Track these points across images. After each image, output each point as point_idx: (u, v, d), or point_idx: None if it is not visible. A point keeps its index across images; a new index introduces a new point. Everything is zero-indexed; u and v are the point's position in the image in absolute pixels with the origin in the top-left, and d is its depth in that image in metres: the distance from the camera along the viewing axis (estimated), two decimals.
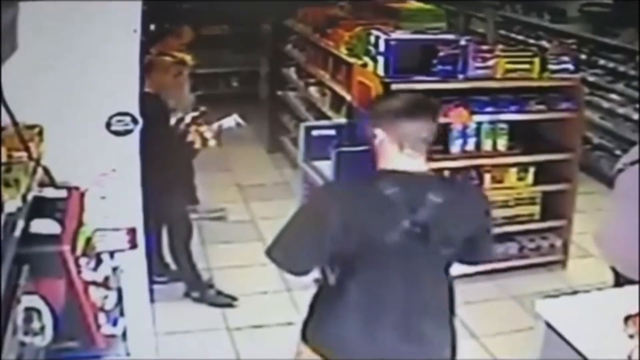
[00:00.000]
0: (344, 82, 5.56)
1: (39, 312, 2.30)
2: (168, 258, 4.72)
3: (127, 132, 3.15)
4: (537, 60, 4.86)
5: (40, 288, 2.33)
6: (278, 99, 7.60)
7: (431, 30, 5.32)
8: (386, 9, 6.20)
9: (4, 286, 1.89)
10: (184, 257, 4.59)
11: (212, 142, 4.76)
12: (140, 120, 3.16)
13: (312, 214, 2.40)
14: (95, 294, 2.65)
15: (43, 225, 2.45)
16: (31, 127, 2.70)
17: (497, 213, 5.05)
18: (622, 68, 7.06)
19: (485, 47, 4.84)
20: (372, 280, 2.35)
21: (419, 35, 5.02)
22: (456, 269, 2.52)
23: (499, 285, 4.94)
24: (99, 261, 2.82)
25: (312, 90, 6.60)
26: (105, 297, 2.74)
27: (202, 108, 4.96)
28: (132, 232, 3.01)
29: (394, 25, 5.46)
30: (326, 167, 4.53)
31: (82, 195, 2.88)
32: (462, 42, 4.75)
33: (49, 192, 2.73)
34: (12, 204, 2.16)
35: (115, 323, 2.77)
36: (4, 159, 2.31)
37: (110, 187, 3.10)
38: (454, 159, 4.74)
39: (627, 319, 2.44)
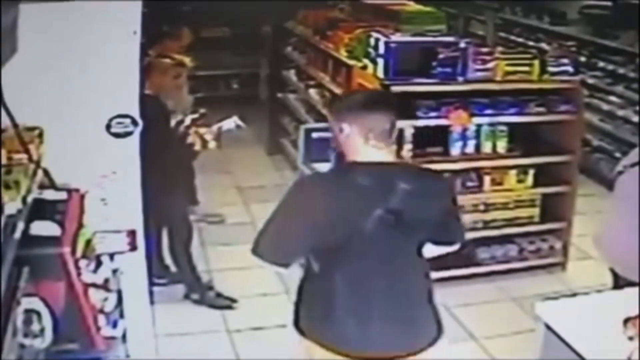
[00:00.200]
0: (344, 85, 5.56)
1: (38, 314, 2.30)
2: (168, 260, 4.72)
3: (127, 134, 3.16)
4: (536, 62, 4.86)
5: (40, 290, 2.33)
6: (278, 101, 7.60)
7: (431, 33, 5.31)
8: (386, 11, 6.19)
9: (3, 288, 1.89)
10: (184, 259, 4.59)
11: (212, 144, 4.76)
12: (140, 123, 3.17)
13: (293, 207, 2.48)
14: (95, 296, 2.65)
15: (43, 227, 2.46)
16: (31, 129, 2.70)
17: (497, 215, 5.07)
18: (621, 70, 7.06)
19: (484, 50, 4.83)
20: (354, 267, 2.47)
21: (418, 37, 5.01)
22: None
23: (498, 287, 4.94)
24: (98, 263, 2.82)
25: (312, 92, 6.59)
26: (105, 299, 2.74)
27: (202, 110, 4.96)
28: (132, 234, 3.02)
29: (393, 28, 5.45)
30: (326, 169, 4.52)
31: (82, 197, 2.88)
32: (462, 45, 4.75)
33: (49, 194, 2.73)
34: (12, 206, 2.16)
35: (115, 325, 2.77)
36: (4, 161, 2.31)
37: (110, 189, 3.10)
38: (454, 161, 4.74)
39: (626, 321, 2.44)
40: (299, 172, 5.06)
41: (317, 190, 2.50)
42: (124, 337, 2.95)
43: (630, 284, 2.98)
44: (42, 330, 2.31)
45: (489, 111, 4.77)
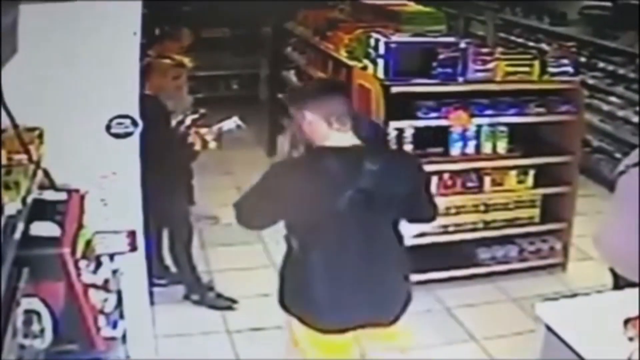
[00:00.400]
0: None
1: (38, 314, 2.30)
2: (168, 260, 4.72)
3: (127, 134, 3.16)
4: (536, 62, 4.86)
5: (40, 290, 2.33)
6: (278, 101, 7.58)
7: (431, 33, 5.31)
8: (386, 11, 6.19)
9: (3, 289, 1.89)
10: (184, 260, 4.59)
11: (212, 145, 4.75)
12: (140, 123, 3.17)
13: (267, 186, 2.69)
14: (95, 296, 2.65)
15: (43, 228, 2.46)
16: (31, 129, 2.71)
17: (497, 216, 5.07)
18: (621, 71, 7.06)
19: (485, 50, 4.83)
20: (329, 244, 2.67)
21: (418, 38, 5.01)
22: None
23: (499, 288, 4.94)
24: (98, 264, 2.82)
25: None
26: (105, 299, 2.74)
27: (202, 110, 4.95)
28: (132, 234, 3.02)
29: (394, 28, 5.45)
30: None
31: (82, 197, 2.88)
32: (462, 45, 4.75)
33: (49, 195, 2.74)
34: (12, 207, 2.16)
35: (115, 325, 2.77)
36: (4, 162, 2.31)
37: (110, 190, 3.11)
38: (454, 161, 4.74)
39: (626, 321, 2.44)
40: None
41: (289, 174, 2.70)
42: (123, 337, 2.95)
43: (631, 284, 2.98)
44: (42, 331, 2.31)
45: (489, 112, 4.77)
